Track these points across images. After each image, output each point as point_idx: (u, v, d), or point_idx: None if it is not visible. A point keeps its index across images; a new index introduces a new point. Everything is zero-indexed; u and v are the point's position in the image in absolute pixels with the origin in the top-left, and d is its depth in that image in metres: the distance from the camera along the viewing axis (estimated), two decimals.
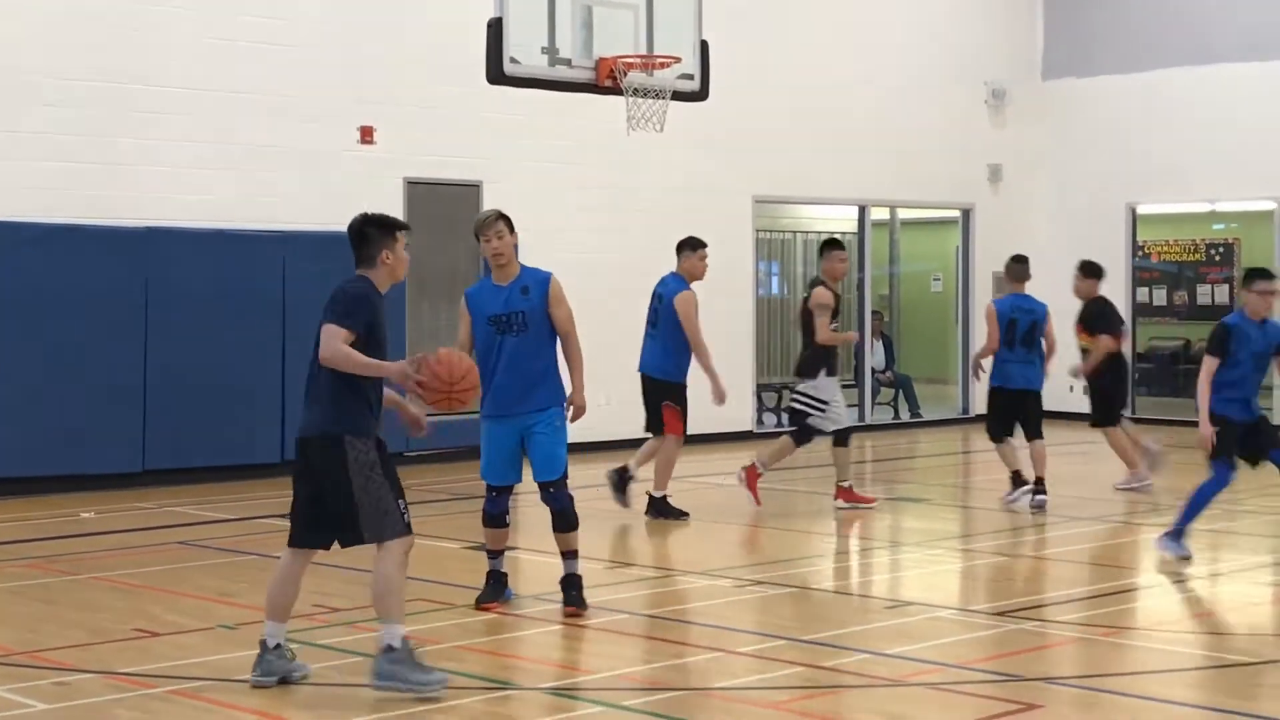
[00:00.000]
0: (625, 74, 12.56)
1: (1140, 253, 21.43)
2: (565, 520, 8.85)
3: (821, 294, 12.79)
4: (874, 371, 20.92)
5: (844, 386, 22.18)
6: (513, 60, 12.20)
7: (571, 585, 8.81)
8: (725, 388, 12.45)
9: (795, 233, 21.65)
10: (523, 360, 8.72)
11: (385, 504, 7.02)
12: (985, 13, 21.48)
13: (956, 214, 21.59)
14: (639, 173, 17.60)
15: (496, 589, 9.01)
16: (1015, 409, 13.13)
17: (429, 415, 7.44)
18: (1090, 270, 14.23)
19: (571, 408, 8.97)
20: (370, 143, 15.95)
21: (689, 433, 12.57)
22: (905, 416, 21.34)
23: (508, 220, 8.87)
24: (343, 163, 15.78)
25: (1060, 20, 21.72)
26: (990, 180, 21.45)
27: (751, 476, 12.78)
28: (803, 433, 12.68)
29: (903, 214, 21.68)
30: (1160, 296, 21.58)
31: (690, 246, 12.72)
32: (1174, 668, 7.81)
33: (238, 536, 11.72)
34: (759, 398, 19.87)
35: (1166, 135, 20.51)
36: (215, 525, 12.27)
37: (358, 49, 15.88)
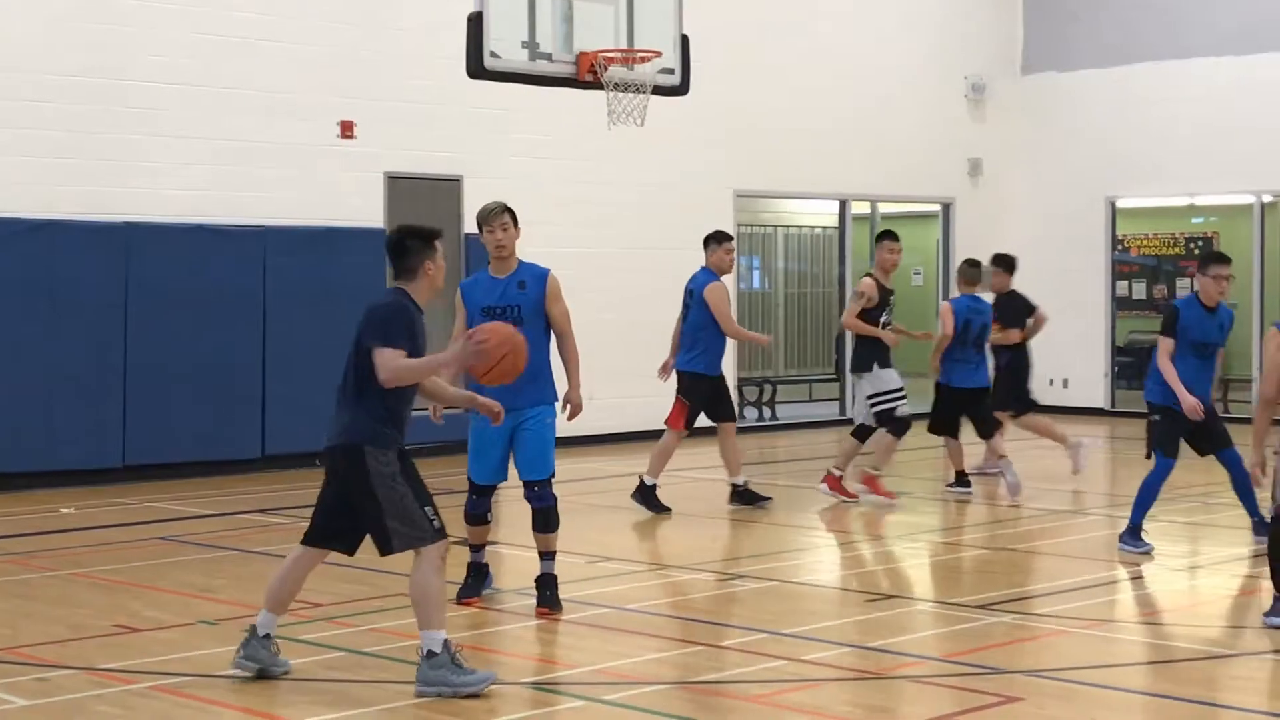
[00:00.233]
0: (606, 68, 12.56)
1: (1119, 246, 21.49)
2: (546, 520, 8.83)
3: (861, 283, 12.93)
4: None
5: (823, 381, 22.37)
6: (493, 55, 12.19)
7: (546, 585, 8.80)
8: (765, 337, 13.06)
9: (776, 227, 21.68)
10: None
11: (411, 513, 6.97)
12: (965, 8, 21.51)
13: (937, 208, 21.64)
14: (620, 167, 17.60)
15: (477, 583, 9.01)
16: (966, 408, 13.32)
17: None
18: (1001, 263, 14.34)
19: (569, 406, 8.96)
20: (351, 137, 15.93)
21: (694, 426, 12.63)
22: None
23: (513, 213, 8.92)
24: (323, 157, 15.76)
25: (1040, 15, 21.77)
26: (970, 174, 21.49)
27: (870, 482, 12.79)
28: (897, 426, 12.67)
29: (883, 208, 21.71)
30: (1140, 290, 21.65)
31: (716, 240, 12.83)
32: (1153, 660, 7.85)
33: (218, 532, 11.71)
34: (740, 392, 19.89)
35: (1145, 129, 20.57)
36: (196, 520, 12.25)
37: (338, 44, 15.86)
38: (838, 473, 12.86)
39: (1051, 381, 21.00)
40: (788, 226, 21.83)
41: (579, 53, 12.57)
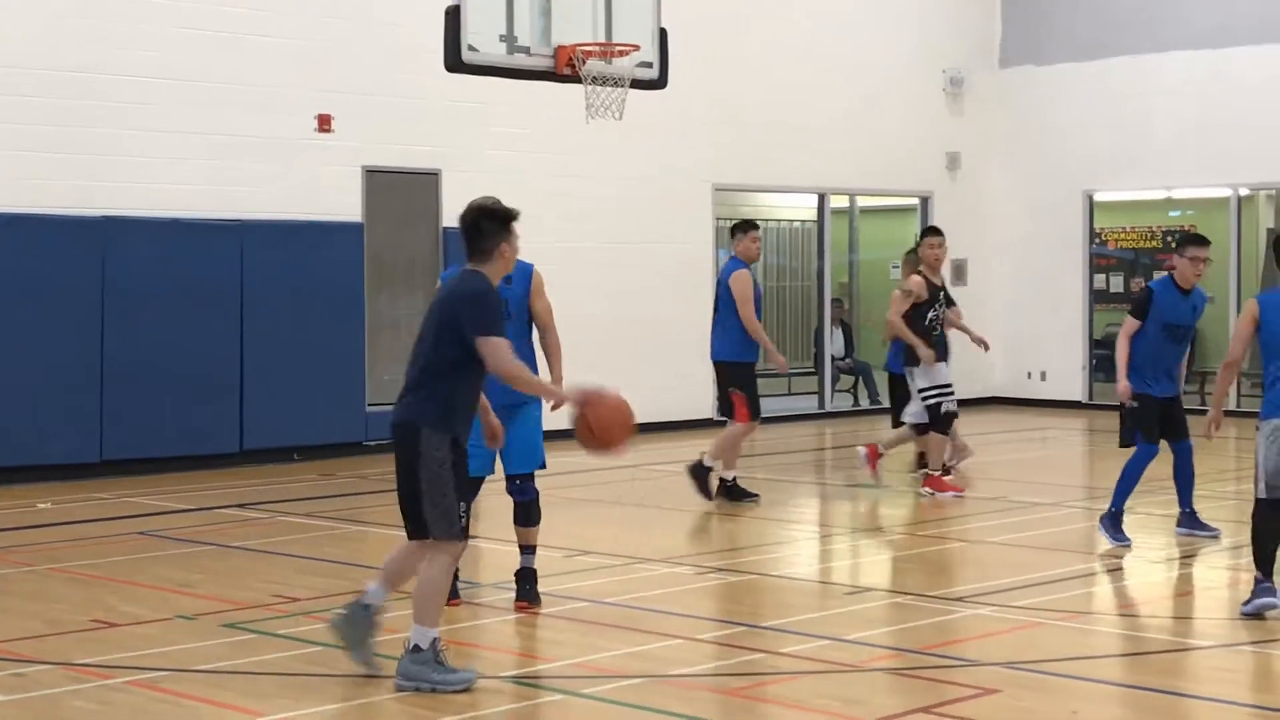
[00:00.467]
0: (584, 62, 12.55)
1: (1097, 239, 21.54)
2: (528, 514, 8.81)
3: (910, 280, 13.01)
4: (833, 359, 20.97)
5: (802, 374, 22.40)
6: (471, 48, 12.17)
7: (527, 579, 8.78)
8: (783, 359, 12.89)
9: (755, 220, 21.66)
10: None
11: (447, 503, 6.95)
12: (943, 2, 21.52)
13: (915, 201, 21.66)
14: (599, 161, 17.58)
15: (454, 582, 8.93)
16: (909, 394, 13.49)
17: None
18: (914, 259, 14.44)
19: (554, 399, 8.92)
20: (328, 131, 15.88)
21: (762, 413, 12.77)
22: (865, 404, 21.40)
23: None
24: (301, 151, 15.71)
25: (1018, 8, 21.79)
26: (949, 168, 21.52)
27: (934, 482, 12.82)
28: (941, 422, 12.75)
29: (862, 201, 21.73)
30: (1117, 283, 21.69)
31: (742, 229, 12.94)
32: (1130, 651, 7.87)
33: (196, 527, 11.68)
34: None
35: (1123, 123, 20.61)
36: (173, 515, 12.22)
37: (315, 38, 15.81)
38: (880, 452, 13.11)
39: (1030, 374, 21.07)
40: (766, 220, 21.83)
41: (557, 46, 12.56)
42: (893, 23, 20.87)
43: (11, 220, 13.89)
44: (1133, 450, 10.38)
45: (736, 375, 12.51)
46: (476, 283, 7.02)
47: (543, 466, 8.76)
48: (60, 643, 7.89)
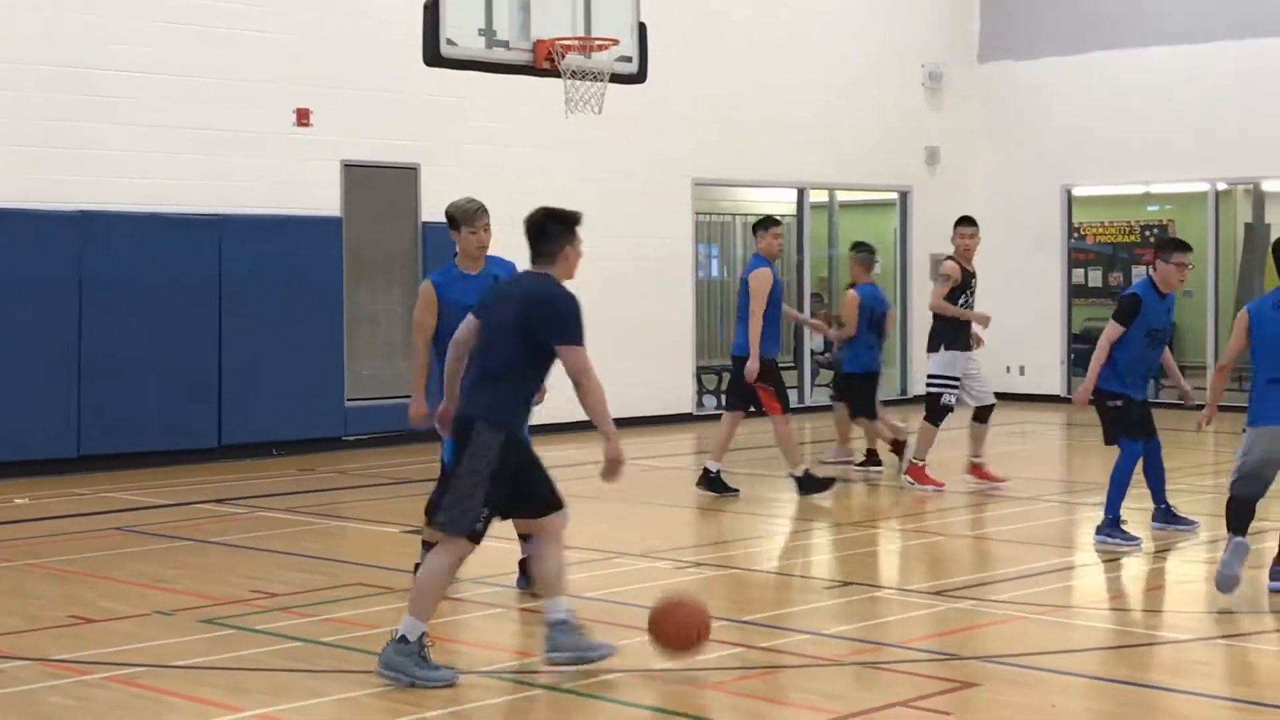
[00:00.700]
0: (563, 56, 12.54)
1: (1076, 234, 21.59)
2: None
3: (944, 265, 13.09)
4: (813, 353, 20.98)
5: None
6: (450, 42, 12.15)
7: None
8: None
9: (734, 215, 21.69)
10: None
11: (472, 499, 6.88)
12: None
13: (894, 196, 21.68)
14: (578, 156, 17.56)
15: None
16: (871, 390, 13.83)
17: None
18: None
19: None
20: (307, 125, 15.85)
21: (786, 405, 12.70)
22: None
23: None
24: (279, 145, 15.67)
25: (996, 3, 21.83)
26: (928, 163, 21.55)
27: (916, 473, 12.84)
28: (936, 413, 12.75)
29: (841, 196, 21.75)
30: (1095, 278, 21.77)
31: (764, 226, 13.00)
32: (1109, 645, 7.90)
33: (174, 522, 11.64)
34: (699, 380, 19.91)
35: (1101, 118, 20.67)
36: (151, 511, 12.18)
37: (294, 31, 15.77)
38: (978, 459, 12.96)
39: (1009, 369, 21.10)
40: (746, 215, 21.82)
41: (536, 40, 12.55)
42: (872, 17, 20.89)
43: None
44: (1117, 452, 10.40)
45: (761, 372, 12.50)
46: (551, 287, 7.05)
47: None
48: (38, 638, 7.86)
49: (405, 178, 16.53)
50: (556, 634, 7.07)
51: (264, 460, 15.01)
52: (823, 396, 21.43)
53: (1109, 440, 10.45)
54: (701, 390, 20.05)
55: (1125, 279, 21.36)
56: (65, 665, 7.31)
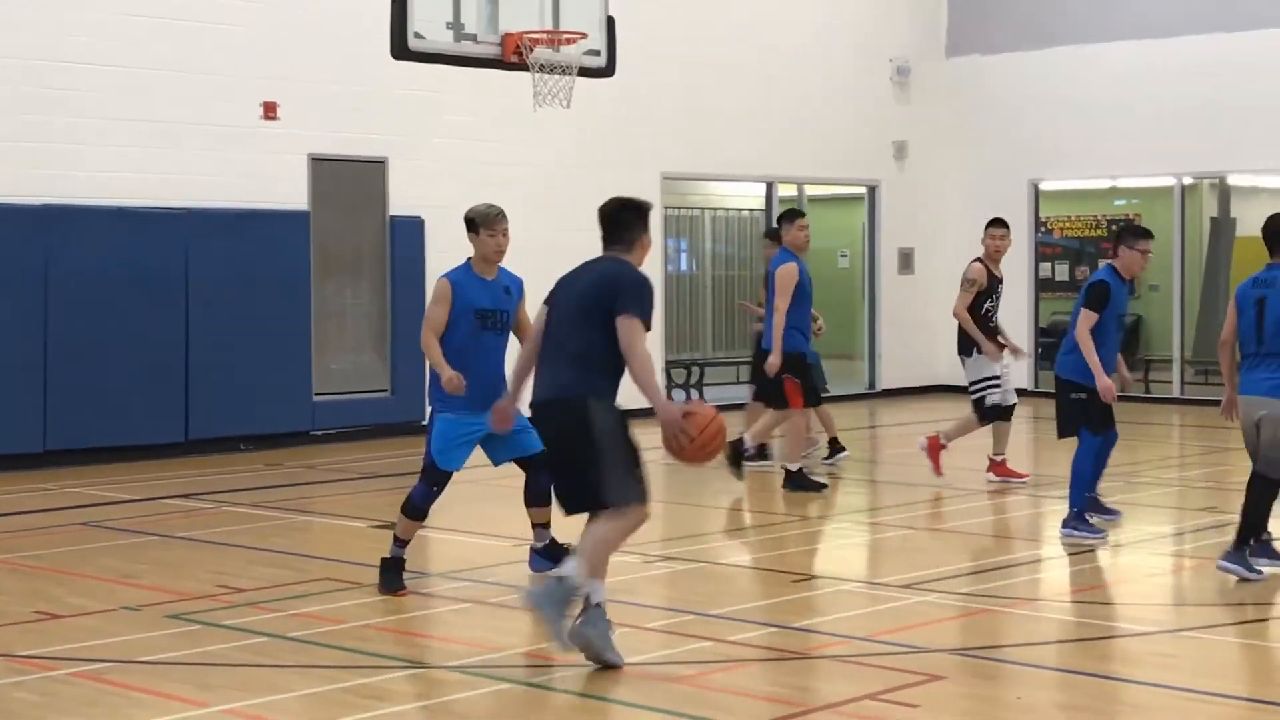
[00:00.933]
0: (531, 50, 12.52)
1: (1043, 228, 21.68)
2: (547, 493, 8.92)
3: (970, 269, 12.95)
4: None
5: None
6: (417, 35, 12.12)
7: (558, 549, 8.83)
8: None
9: (704, 209, 21.70)
10: (497, 357, 8.80)
11: (629, 470, 7.04)
12: None
13: (863, 190, 21.72)
14: (546, 149, 17.53)
15: (399, 574, 8.85)
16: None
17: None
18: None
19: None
20: (274, 119, 15.78)
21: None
22: None
23: None
24: (246, 139, 15.61)
25: None
26: (896, 157, 21.60)
27: (934, 446, 12.83)
28: (985, 412, 12.67)
29: (810, 190, 21.78)
30: (1063, 271, 21.86)
31: (788, 218, 13.04)
32: (1076, 638, 7.93)
33: (141, 517, 11.59)
34: (669, 374, 19.91)
35: (1068, 112, 20.74)
36: (118, 506, 12.13)
37: (261, 24, 15.71)
38: (998, 458, 12.82)
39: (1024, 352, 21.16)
40: (715, 209, 21.86)
41: (504, 34, 12.53)
42: (840, 12, 20.92)
43: None
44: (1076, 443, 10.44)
45: (795, 365, 12.54)
46: (634, 270, 7.20)
47: None
48: (3, 634, 7.82)
49: (373, 172, 16.49)
50: (595, 616, 7.05)
51: (231, 455, 14.96)
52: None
53: (1065, 432, 10.46)
54: (671, 384, 20.05)
55: (1092, 273, 21.43)
56: (31, 661, 7.28)
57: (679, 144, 19.07)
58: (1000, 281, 13.06)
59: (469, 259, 8.94)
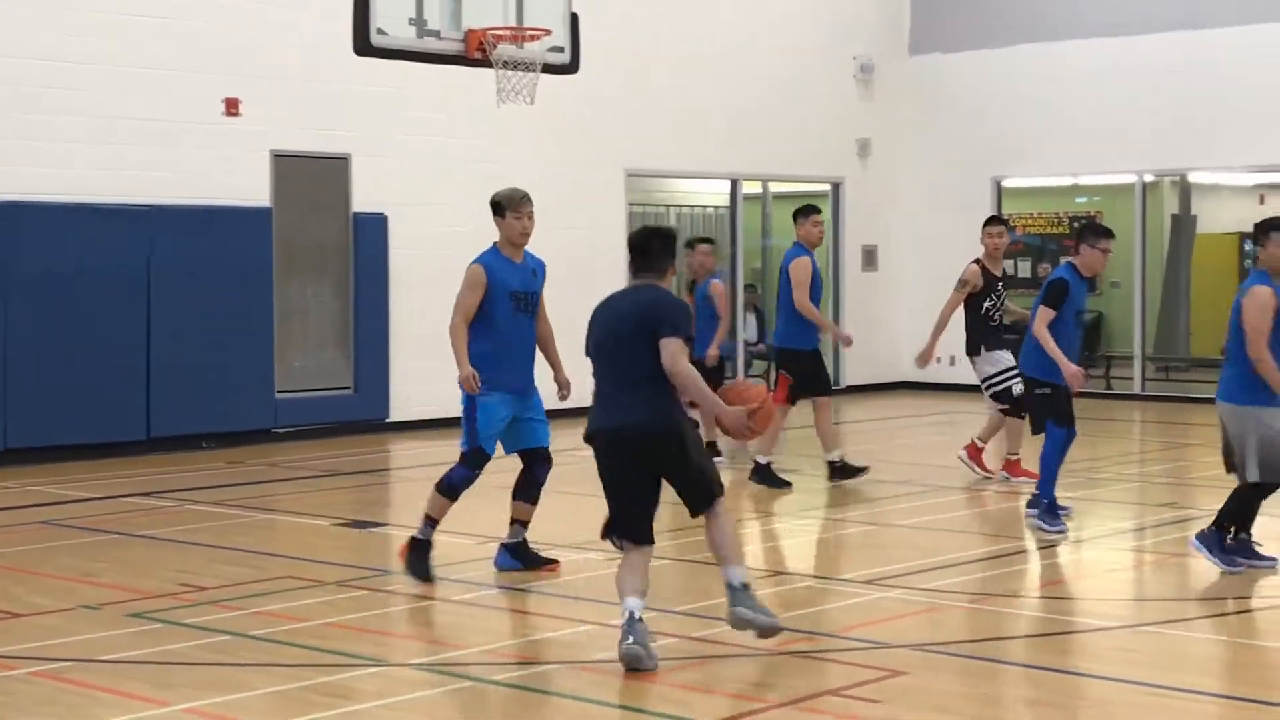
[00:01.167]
0: (495, 46, 12.52)
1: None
2: (540, 491, 9.21)
3: (966, 270, 12.96)
4: (747, 344, 21.05)
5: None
6: (380, 31, 12.11)
7: (527, 552, 9.12)
8: (846, 334, 13.38)
9: (668, 206, 21.70)
10: (530, 339, 8.97)
11: (712, 469, 7.50)
12: None
13: (827, 188, 21.74)
14: (510, 146, 17.49)
15: (429, 561, 8.90)
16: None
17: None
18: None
19: (567, 385, 9.05)
20: (236, 115, 15.71)
21: (837, 387, 12.80)
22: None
23: None
24: (208, 135, 15.53)
25: None
26: (860, 155, 21.64)
27: (974, 452, 12.79)
28: (1015, 405, 12.42)
29: (774, 187, 21.80)
30: (1025, 269, 21.94)
31: (803, 213, 13.05)
32: (1038, 633, 7.97)
33: (101, 516, 11.53)
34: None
35: (1030, 110, 20.82)
36: (78, 504, 12.06)
37: (222, 19, 15.63)
38: (1013, 456, 12.67)
39: (939, 359, 21.18)
40: (680, 206, 21.86)
41: (468, 30, 12.53)
42: (804, 9, 20.95)
43: None
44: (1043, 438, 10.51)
45: (795, 362, 12.58)
46: (664, 293, 7.41)
47: None
48: None
49: (336, 168, 16.43)
50: (743, 597, 7.29)
51: (193, 453, 14.89)
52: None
53: (1037, 429, 10.59)
54: None
55: (1053, 270, 21.54)
56: None
57: (643, 141, 19.07)
58: (1000, 280, 13.04)
59: (494, 243, 9.02)
